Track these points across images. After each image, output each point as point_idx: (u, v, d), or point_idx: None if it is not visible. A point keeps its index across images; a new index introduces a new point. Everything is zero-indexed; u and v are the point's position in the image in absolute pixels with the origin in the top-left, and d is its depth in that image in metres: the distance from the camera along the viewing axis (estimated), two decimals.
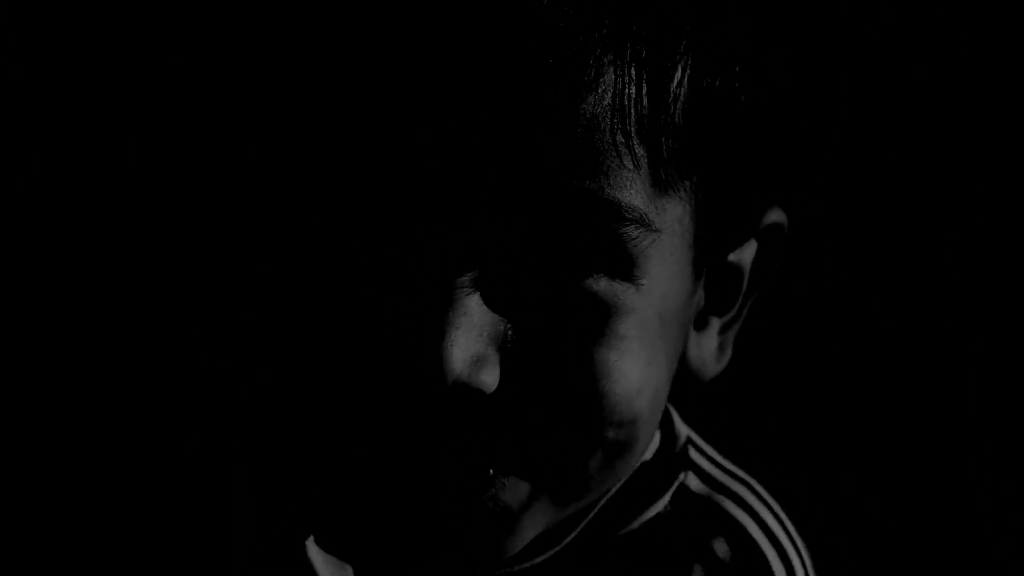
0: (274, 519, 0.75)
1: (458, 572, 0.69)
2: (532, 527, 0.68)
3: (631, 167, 0.62)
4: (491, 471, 0.65)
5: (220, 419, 0.83)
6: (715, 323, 0.74)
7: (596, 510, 0.73)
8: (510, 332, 0.63)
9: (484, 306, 0.62)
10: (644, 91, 0.62)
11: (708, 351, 0.74)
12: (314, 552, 0.73)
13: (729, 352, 0.75)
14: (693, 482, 0.78)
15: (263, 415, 0.69)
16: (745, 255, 0.74)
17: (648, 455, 0.75)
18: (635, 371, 0.65)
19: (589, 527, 0.73)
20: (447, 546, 0.66)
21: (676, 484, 0.76)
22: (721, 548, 0.75)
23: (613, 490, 0.73)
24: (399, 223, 0.61)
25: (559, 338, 0.64)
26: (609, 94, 0.61)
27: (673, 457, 0.77)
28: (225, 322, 0.71)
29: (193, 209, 0.78)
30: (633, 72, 0.61)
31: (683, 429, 0.79)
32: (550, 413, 0.64)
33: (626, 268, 0.64)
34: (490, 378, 0.62)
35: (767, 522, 0.77)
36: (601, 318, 0.64)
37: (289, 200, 0.63)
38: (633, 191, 0.63)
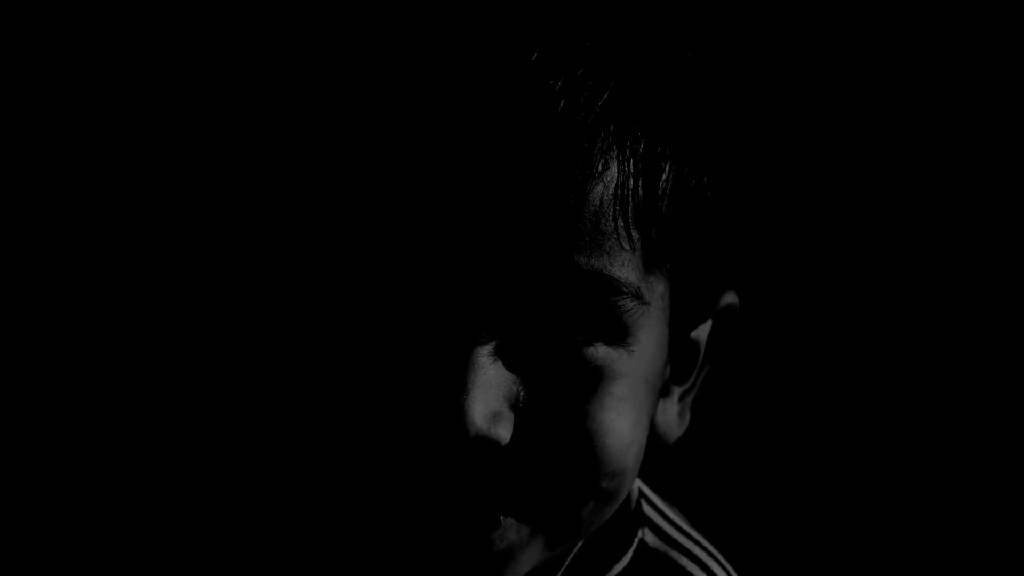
0: (290, 548, 0.84)
1: None
2: (527, 563, 0.76)
3: (628, 248, 0.72)
4: (500, 518, 0.74)
5: (247, 449, 0.89)
6: (676, 391, 0.83)
7: (566, 565, 0.82)
8: (521, 391, 0.72)
9: (501, 367, 0.71)
10: (640, 184, 0.72)
11: (671, 416, 0.83)
12: None
13: (688, 417, 0.84)
14: (650, 538, 0.87)
15: (293, 451, 0.77)
16: (702, 332, 0.84)
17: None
18: (626, 428, 0.75)
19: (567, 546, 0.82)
20: (455, 569, 0.74)
21: (636, 541, 0.86)
22: None
23: (577, 546, 0.82)
24: (430, 293, 0.70)
25: (563, 397, 0.73)
26: (612, 186, 0.71)
27: (630, 514, 0.86)
28: (261, 362, 0.79)
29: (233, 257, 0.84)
30: (631, 167, 0.71)
31: (636, 484, 0.87)
32: (553, 464, 0.73)
33: (621, 335, 0.74)
34: (505, 432, 0.71)
35: (714, 571, 0.87)
36: (599, 380, 0.74)
37: (334, 271, 0.72)
38: (629, 269, 0.73)
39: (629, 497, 0.85)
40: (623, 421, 0.75)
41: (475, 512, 0.73)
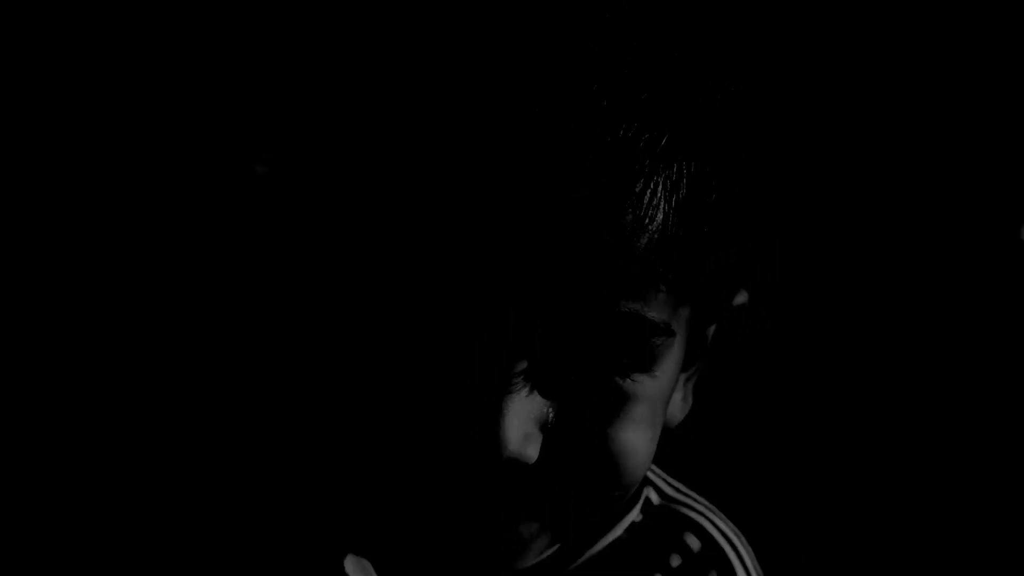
0: (317, 537, 0.89)
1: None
2: (536, 553, 0.83)
3: (665, 290, 0.76)
4: (523, 521, 0.80)
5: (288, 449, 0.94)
6: (681, 378, 0.87)
7: (562, 544, 0.87)
8: (551, 414, 0.77)
9: (534, 393, 0.76)
10: (682, 233, 0.74)
11: (676, 402, 0.87)
12: (351, 566, 0.87)
13: (691, 400, 0.89)
14: (654, 496, 0.94)
15: (337, 455, 0.85)
16: (712, 329, 0.88)
17: None
18: (644, 446, 0.80)
19: (559, 553, 0.87)
20: (469, 561, 0.81)
21: (642, 499, 0.92)
22: (692, 541, 0.91)
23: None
24: (477, 326, 0.75)
25: (588, 420, 0.78)
26: (656, 235, 0.73)
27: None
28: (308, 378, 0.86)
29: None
30: (675, 217, 0.74)
31: None
32: (574, 478, 0.79)
33: (648, 365, 0.78)
34: (534, 452, 0.76)
35: (717, 523, 0.92)
36: (624, 405, 0.78)
37: (388, 305, 0.77)
38: (664, 308, 0.77)
39: None
40: (642, 440, 0.80)
41: (497, 519, 0.80)
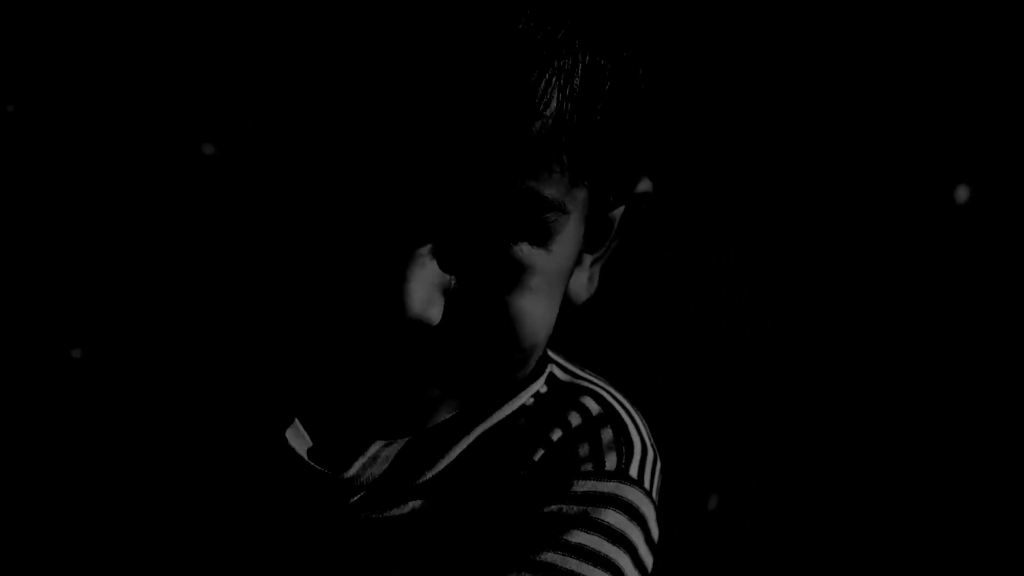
0: (254, 379, 1.00)
1: (382, 436, 0.95)
2: (445, 412, 0.93)
3: (559, 171, 0.84)
4: (428, 382, 0.89)
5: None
6: (587, 259, 0.96)
7: (472, 406, 0.97)
8: (453, 281, 0.86)
9: (436, 262, 0.85)
10: (576, 119, 0.83)
11: (582, 281, 0.97)
12: (290, 433, 0.96)
13: (596, 282, 0.98)
14: (558, 371, 1.02)
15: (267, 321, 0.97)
16: (617, 211, 0.96)
17: None
18: (540, 314, 0.89)
19: (475, 412, 0.97)
20: (383, 420, 0.92)
21: (547, 371, 1.00)
22: (591, 404, 0.98)
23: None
24: (384, 201, 0.84)
25: (488, 288, 0.87)
26: (551, 120, 0.82)
27: (541, 356, 0.98)
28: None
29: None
30: (569, 105, 0.82)
31: None
32: (475, 341, 0.88)
33: (543, 239, 0.87)
34: (437, 315, 0.85)
35: (614, 393, 1.00)
36: (520, 275, 0.87)
37: (306, 182, 0.87)
38: (558, 187, 0.85)
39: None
40: (538, 307, 0.89)
41: (410, 371, 0.89)
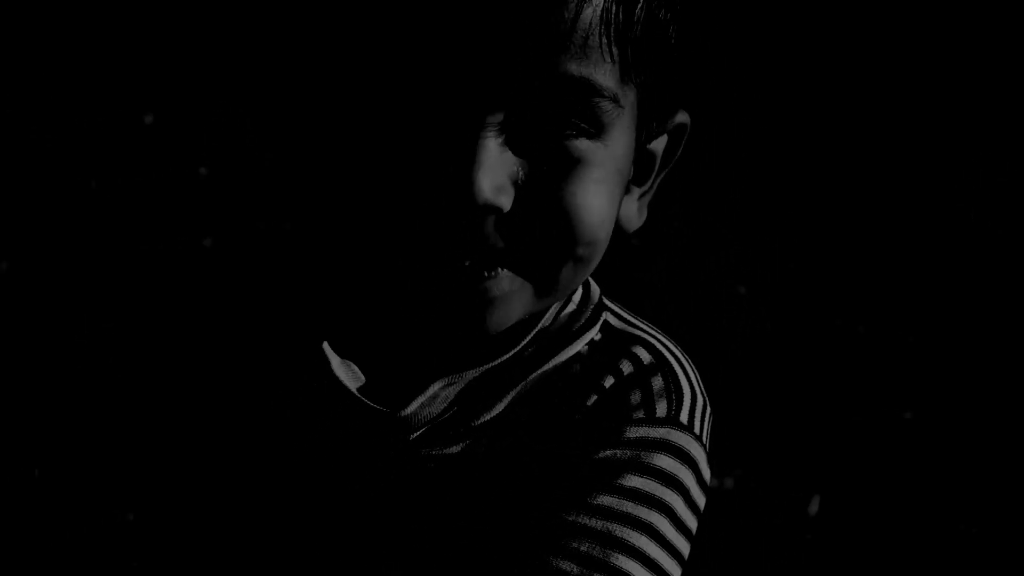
0: (299, 325, 1.02)
1: (443, 374, 0.98)
2: (517, 311, 0.96)
3: (609, 61, 0.92)
4: (495, 269, 0.94)
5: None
6: (636, 191, 1.04)
7: (548, 333, 1.03)
8: (521, 172, 0.92)
9: (506, 152, 0.91)
10: (621, 11, 0.92)
11: (632, 210, 1.04)
12: (329, 352, 0.99)
13: (644, 213, 1.05)
14: (612, 319, 1.06)
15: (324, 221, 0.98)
16: (659, 145, 1.04)
17: (574, 305, 1.05)
18: (600, 206, 0.95)
19: (543, 346, 1.02)
20: (451, 320, 0.94)
21: (601, 321, 1.05)
22: (643, 354, 1.02)
23: (557, 324, 1.04)
24: (456, 92, 0.90)
25: (553, 178, 0.93)
26: (599, 11, 0.91)
27: (596, 304, 1.06)
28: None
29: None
30: (613, 2, 0.91)
31: (596, 287, 1.08)
32: (543, 230, 0.93)
33: (599, 131, 0.94)
34: (507, 201, 0.91)
35: (665, 342, 1.05)
36: (581, 166, 0.93)
37: (384, 87, 0.92)
38: (609, 78, 0.92)
39: (592, 293, 1.07)
40: (598, 200, 0.94)
41: (479, 262, 0.93)
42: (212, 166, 2.71)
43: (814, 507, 2.40)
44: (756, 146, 3.12)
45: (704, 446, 1.00)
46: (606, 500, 0.96)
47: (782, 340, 2.75)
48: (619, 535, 0.95)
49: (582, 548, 0.95)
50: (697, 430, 1.00)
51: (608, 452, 0.97)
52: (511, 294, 0.94)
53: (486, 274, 0.93)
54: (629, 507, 0.96)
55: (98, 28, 2.87)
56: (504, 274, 0.93)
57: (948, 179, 3.07)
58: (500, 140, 0.90)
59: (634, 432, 0.98)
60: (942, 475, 2.57)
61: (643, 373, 1.00)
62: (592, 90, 0.91)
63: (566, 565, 0.95)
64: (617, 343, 1.03)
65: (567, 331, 1.02)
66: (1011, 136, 3.08)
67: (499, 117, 0.90)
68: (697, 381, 1.03)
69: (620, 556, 0.95)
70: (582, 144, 0.92)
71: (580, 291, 1.05)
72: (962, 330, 2.83)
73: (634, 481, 0.96)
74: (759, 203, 3.02)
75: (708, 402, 1.02)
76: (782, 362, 2.72)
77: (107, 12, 2.86)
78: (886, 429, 2.65)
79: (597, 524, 0.95)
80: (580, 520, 0.96)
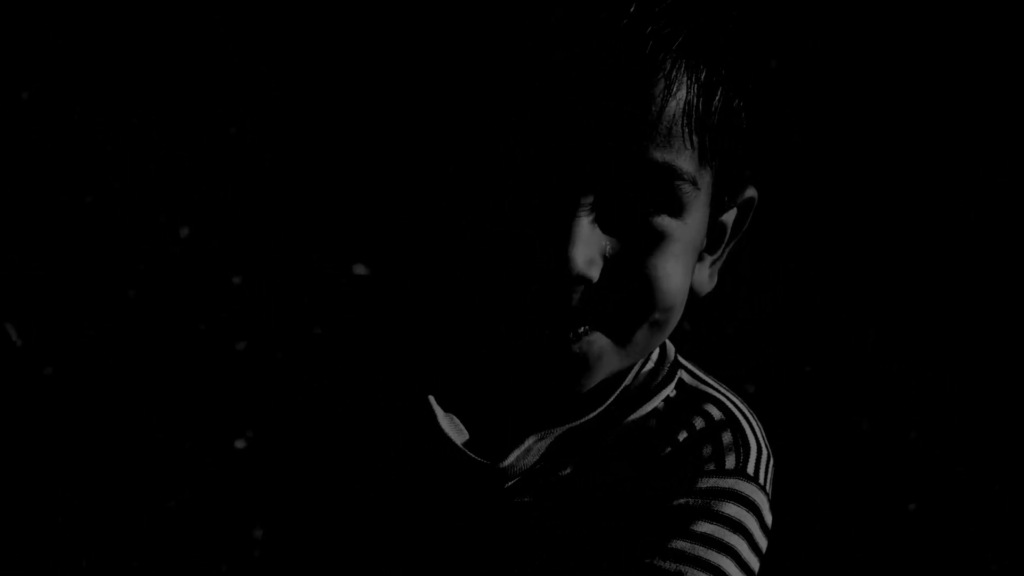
0: (408, 381, 1.14)
1: (537, 429, 1.09)
2: (602, 371, 1.08)
3: (689, 148, 1.04)
4: (584, 328, 1.05)
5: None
6: (708, 259, 1.15)
7: (629, 390, 1.13)
8: (607, 246, 1.04)
9: (596, 228, 1.03)
10: (700, 103, 1.04)
11: (704, 276, 1.15)
12: (435, 406, 1.10)
13: (715, 279, 1.16)
14: (686, 377, 1.18)
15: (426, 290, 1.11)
16: (728, 217, 1.15)
17: (652, 363, 1.16)
18: (678, 277, 1.07)
19: (624, 403, 1.13)
20: (548, 379, 1.06)
21: (676, 379, 1.16)
22: (713, 411, 1.13)
23: (637, 382, 1.15)
24: (549, 178, 1.02)
25: (637, 252, 1.05)
26: (682, 104, 1.03)
27: (672, 362, 1.17)
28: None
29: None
30: (696, 91, 1.03)
31: (672, 347, 1.19)
32: (626, 297, 1.05)
33: (679, 210, 1.06)
34: (596, 273, 1.03)
35: (735, 401, 1.15)
36: (662, 241, 1.06)
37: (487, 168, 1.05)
38: (690, 163, 1.05)
39: (668, 353, 1.18)
40: (677, 271, 1.07)
41: (569, 324, 1.05)
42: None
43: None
44: (756, 147, 3.19)
45: (767, 494, 1.12)
46: (679, 544, 1.07)
47: (782, 339, 2.84)
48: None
49: None
50: (761, 480, 1.11)
51: (682, 500, 1.09)
52: (600, 355, 1.06)
53: (576, 335, 1.05)
54: (700, 551, 1.07)
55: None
56: (594, 336, 1.06)
57: (947, 180, 3.11)
58: (591, 218, 1.02)
59: (705, 483, 1.10)
60: (941, 475, 2.65)
61: (714, 428, 1.12)
62: (674, 174, 1.03)
63: None
64: (690, 400, 1.15)
65: (646, 388, 1.15)
66: (1011, 137, 3.06)
67: (591, 198, 1.02)
68: (762, 435, 1.14)
69: None
70: (663, 221, 1.05)
71: (657, 351, 1.17)
72: (963, 328, 2.92)
73: (704, 527, 1.08)
74: (760, 203, 3.12)
75: (771, 455, 1.14)
76: (782, 362, 2.84)
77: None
78: (885, 428, 2.73)
79: (671, 567, 1.07)
80: (656, 562, 1.07)
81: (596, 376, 1.08)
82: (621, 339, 1.07)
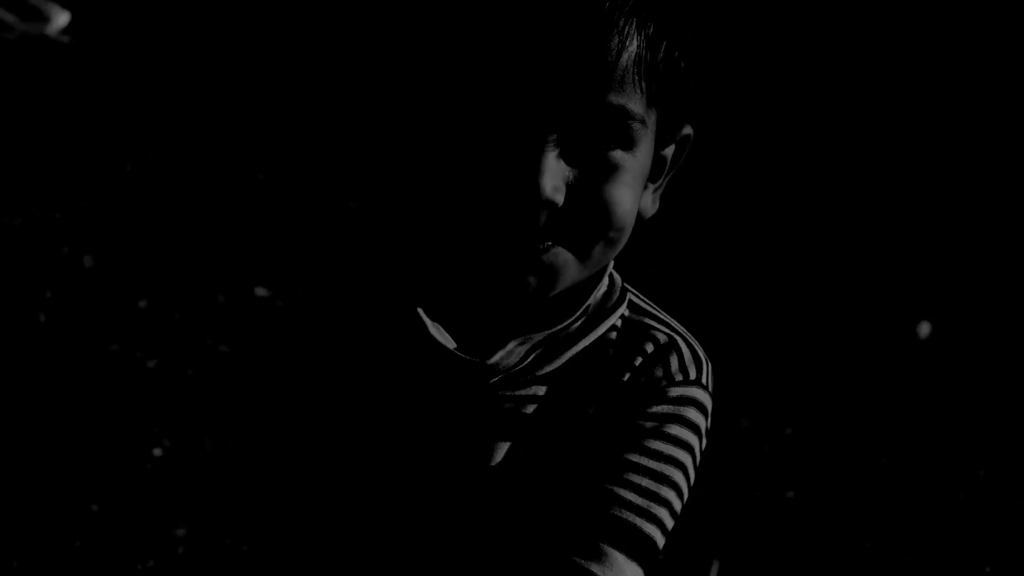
0: (399, 296, 1.31)
1: (524, 311, 1.27)
2: (565, 280, 1.25)
3: (639, 93, 1.21)
4: (550, 243, 1.22)
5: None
6: (651, 187, 1.32)
7: (583, 319, 1.32)
8: (570, 176, 1.21)
9: (560, 161, 1.20)
10: (649, 55, 1.21)
11: (648, 202, 1.32)
12: (425, 317, 1.28)
13: (658, 203, 1.34)
14: (635, 299, 1.36)
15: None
16: (668, 151, 1.32)
17: (606, 287, 1.34)
18: (628, 202, 1.25)
19: (589, 318, 1.32)
20: (520, 285, 1.24)
21: (624, 305, 1.35)
22: (649, 346, 1.32)
23: (596, 301, 1.33)
24: (521, 119, 1.20)
25: (594, 180, 1.22)
26: (633, 55, 1.20)
27: (621, 287, 1.36)
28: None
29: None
30: (644, 43, 1.20)
31: (618, 276, 1.36)
32: (584, 218, 1.22)
33: (631, 145, 1.23)
34: (561, 198, 1.20)
35: (674, 326, 1.35)
36: (615, 171, 1.23)
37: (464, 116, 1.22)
38: (640, 105, 1.22)
39: (616, 280, 1.36)
40: (627, 196, 1.24)
41: (538, 240, 1.22)
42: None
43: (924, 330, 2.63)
44: (756, 147, 3.36)
45: (712, 399, 1.32)
46: (657, 445, 1.28)
47: (782, 338, 3.02)
48: (667, 473, 1.27)
49: (642, 483, 1.26)
50: (711, 388, 1.32)
51: (657, 407, 1.28)
52: (563, 265, 1.24)
53: (544, 248, 1.22)
54: (673, 451, 1.28)
55: None
56: (558, 250, 1.23)
57: (947, 180, 3.33)
58: (556, 153, 1.19)
59: (675, 391, 1.29)
60: (941, 473, 2.83)
61: (671, 346, 1.32)
62: (627, 115, 1.21)
63: (630, 495, 1.26)
64: (645, 317, 1.35)
65: (604, 307, 1.33)
66: (1010, 137, 3.27)
67: (556, 136, 1.19)
68: (702, 348, 1.34)
69: (665, 488, 1.27)
70: (617, 155, 1.22)
71: (608, 279, 1.35)
72: (964, 327, 3.12)
73: (675, 430, 1.28)
74: (760, 203, 3.34)
75: (710, 362, 1.34)
76: (781, 361, 3.01)
77: None
78: (885, 427, 2.92)
79: (652, 464, 1.27)
80: (641, 461, 1.27)
81: (561, 283, 1.25)
82: (581, 253, 1.24)
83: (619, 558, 1.26)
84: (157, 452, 2.71)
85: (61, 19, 4.28)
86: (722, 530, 2.60)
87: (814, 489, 2.76)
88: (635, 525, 1.26)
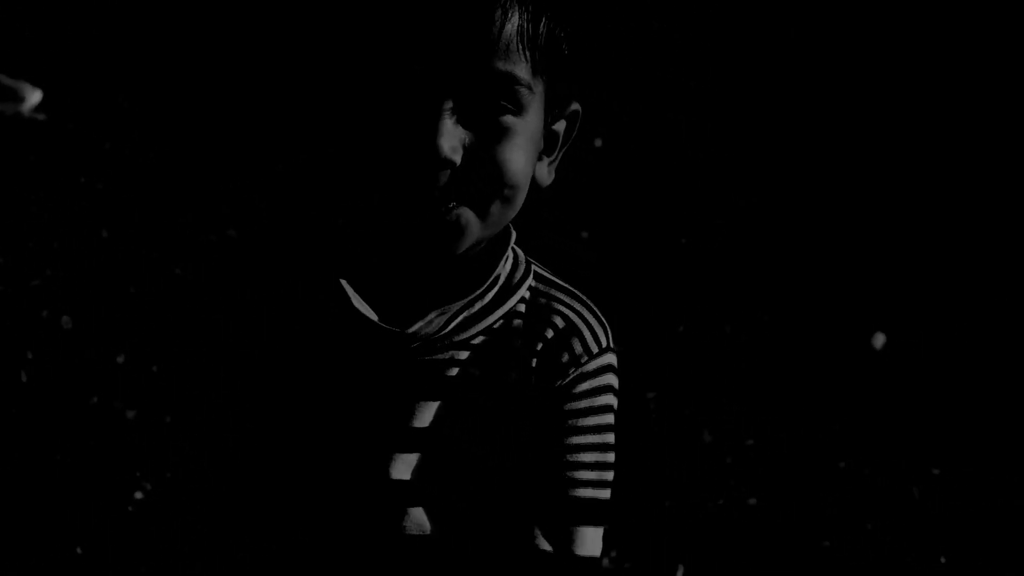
0: (322, 269, 1.41)
1: (435, 305, 1.38)
2: (469, 238, 1.35)
3: (525, 60, 1.32)
4: (453, 204, 1.33)
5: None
6: (546, 159, 1.44)
7: (492, 293, 1.42)
8: (466, 138, 1.32)
9: (456, 125, 1.31)
10: (530, 27, 1.31)
11: (544, 172, 1.43)
12: (348, 289, 1.38)
13: (553, 174, 1.44)
14: (537, 269, 1.46)
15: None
16: (559, 126, 1.44)
17: (511, 261, 1.45)
18: (521, 162, 1.35)
19: (500, 290, 1.42)
20: (426, 241, 1.34)
21: (530, 278, 1.45)
22: (549, 332, 1.42)
23: (505, 272, 1.44)
24: (418, 85, 1.31)
25: (488, 142, 1.33)
26: (516, 26, 1.31)
27: (526, 260, 1.47)
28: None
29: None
30: (527, 18, 1.31)
31: (521, 251, 1.47)
32: (481, 177, 1.33)
33: (520, 110, 1.34)
34: (458, 158, 1.31)
35: (576, 307, 1.44)
36: (506, 133, 1.33)
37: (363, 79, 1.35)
38: (525, 72, 1.32)
39: (520, 254, 1.46)
40: (520, 157, 1.35)
41: (441, 200, 1.32)
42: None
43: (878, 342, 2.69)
44: (755, 148, 3.42)
45: (615, 351, 1.43)
46: (593, 420, 1.40)
47: (781, 338, 3.09)
48: (605, 440, 1.41)
49: (590, 459, 1.40)
50: (612, 343, 1.43)
51: (581, 385, 1.40)
52: (467, 224, 1.34)
53: (447, 208, 1.32)
54: (604, 418, 1.41)
55: None
56: (461, 210, 1.33)
57: (946, 180, 3.33)
58: (453, 119, 1.30)
59: (592, 365, 1.41)
60: (940, 472, 2.86)
61: (574, 328, 1.42)
62: (514, 80, 1.32)
63: (583, 474, 1.39)
64: (551, 288, 1.45)
65: (512, 279, 1.45)
66: (1009, 138, 3.27)
67: (451, 103, 1.30)
68: (598, 311, 1.44)
69: (608, 453, 1.41)
70: (508, 119, 1.33)
71: (512, 253, 1.47)
72: (963, 326, 3.17)
73: (601, 399, 1.41)
74: (759, 203, 3.40)
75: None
76: (781, 361, 3.08)
77: None
78: (884, 427, 2.96)
79: (593, 439, 1.40)
80: (584, 440, 1.39)
81: (465, 241, 1.36)
82: (481, 212, 1.35)
83: (588, 532, 1.40)
84: (138, 495, 2.79)
85: (34, 97, 4.38)
86: (687, 537, 2.66)
87: (775, 495, 2.82)
88: (593, 498, 1.40)
